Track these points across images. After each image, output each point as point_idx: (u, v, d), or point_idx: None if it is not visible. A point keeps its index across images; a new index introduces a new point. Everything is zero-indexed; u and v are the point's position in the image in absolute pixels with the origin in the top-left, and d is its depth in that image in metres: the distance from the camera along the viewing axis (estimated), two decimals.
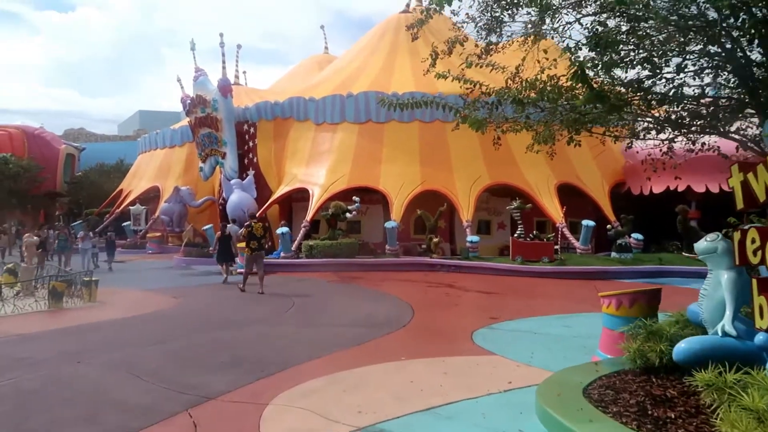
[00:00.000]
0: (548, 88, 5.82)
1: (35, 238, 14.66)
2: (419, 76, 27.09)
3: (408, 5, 29.95)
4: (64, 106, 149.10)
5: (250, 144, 25.73)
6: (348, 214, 20.92)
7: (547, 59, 6.49)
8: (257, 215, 23.31)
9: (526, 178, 22.21)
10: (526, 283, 16.42)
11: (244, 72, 38.56)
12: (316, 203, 21.84)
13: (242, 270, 15.52)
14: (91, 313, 11.21)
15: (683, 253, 19.66)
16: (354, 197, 21.07)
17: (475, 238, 20.04)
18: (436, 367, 6.99)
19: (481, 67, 6.70)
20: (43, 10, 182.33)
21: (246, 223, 14.99)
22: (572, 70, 4.93)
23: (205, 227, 23.37)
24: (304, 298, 13.33)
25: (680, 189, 21.51)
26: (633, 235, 20.03)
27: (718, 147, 7.83)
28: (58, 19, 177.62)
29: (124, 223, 31.25)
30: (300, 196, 23.78)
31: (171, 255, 25.33)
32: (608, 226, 20.94)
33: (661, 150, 7.74)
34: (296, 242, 21.00)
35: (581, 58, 5.36)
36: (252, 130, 25.75)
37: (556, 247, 19.31)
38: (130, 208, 32.01)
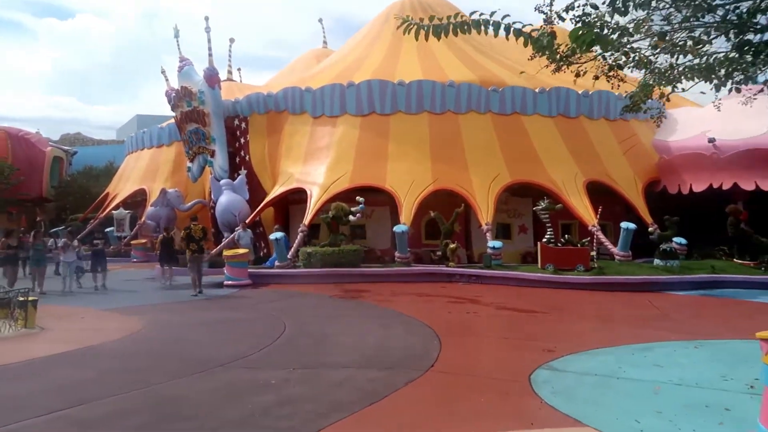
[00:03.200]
0: None
1: None
2: (427, 63, 24.56)
3: None
4: (64, 114, 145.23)
5: (242, 141, 23.20)
6: (351, 217, 18.32)
7: None
8: (248, 220, 21.03)
9: (551, 175, 19.70)
10: (563, 297, 13.81)
11: (239, 69, 36.16)
12: (314, 205, 19.24)
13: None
14: (13, 348, 8.48)
15: (735, 260, 17.22)
16: (358, 198, 18.42)
17: (498, 243, 17.46)
18: None
19: None
20: (42, 17, 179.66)
21: (186, 227, 15.32)
22: None
23: None
24: (299, 320, 10.69)
25: (725, 187, 19.05)
26: (675, 239, 17.50)
27: None
28: (57, 27, 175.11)
29: (107, 229, 28.59)
30: (297, 197, 21.21)
31: (155, 264, 22.74)
32: (650, 230, 18.38)
33: None
34: (293, 249, 18.40)
35: None
36: (243, 125, 23.20)
37: (592, 253, 16.73)
38: (113, 212, 29.37)
